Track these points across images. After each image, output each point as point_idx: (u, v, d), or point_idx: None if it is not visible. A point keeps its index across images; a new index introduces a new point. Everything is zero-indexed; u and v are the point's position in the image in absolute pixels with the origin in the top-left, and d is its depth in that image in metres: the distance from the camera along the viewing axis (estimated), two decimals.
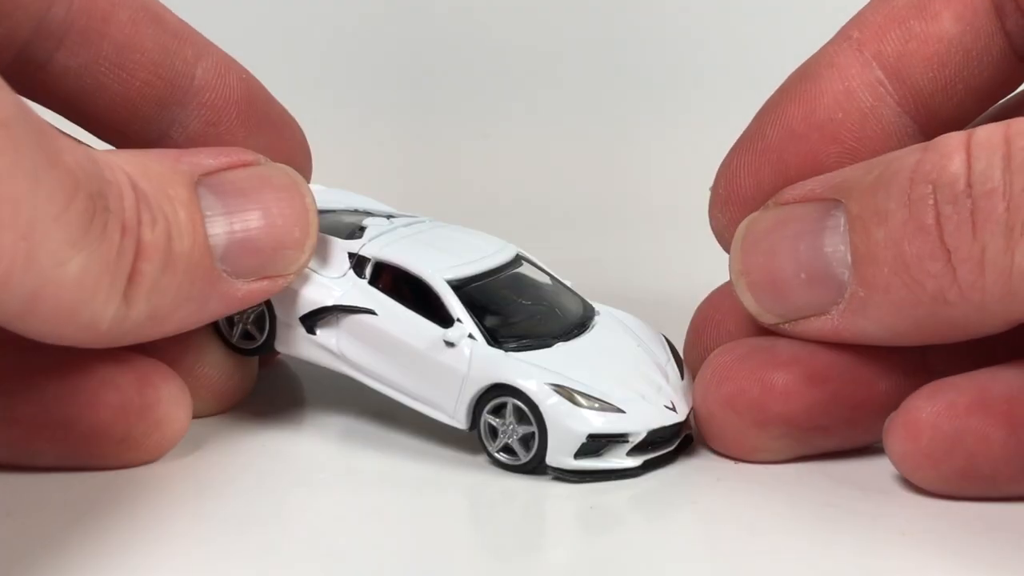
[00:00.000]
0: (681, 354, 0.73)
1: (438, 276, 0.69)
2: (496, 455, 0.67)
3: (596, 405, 0.66)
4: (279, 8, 1.33)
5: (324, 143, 1.26)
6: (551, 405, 0.65)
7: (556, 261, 0.82)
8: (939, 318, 0.61)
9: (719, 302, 0.73)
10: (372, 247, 0.71)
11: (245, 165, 0.66)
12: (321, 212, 0.70)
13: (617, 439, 0.66)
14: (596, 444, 0.65)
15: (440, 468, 0.68)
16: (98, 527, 0.61)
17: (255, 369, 0.75)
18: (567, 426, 0.65)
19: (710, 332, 0.73)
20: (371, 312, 0.69)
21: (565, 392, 0.66)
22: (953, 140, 0.60)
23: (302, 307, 0.70)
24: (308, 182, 0.73)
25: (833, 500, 0.64)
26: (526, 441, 0.66)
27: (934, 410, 0.62)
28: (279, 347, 0.71)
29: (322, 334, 0.70)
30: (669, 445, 0.68)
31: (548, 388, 0.65)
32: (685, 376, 0.71)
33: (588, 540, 0.62)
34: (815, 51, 0.71)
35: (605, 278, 0.95)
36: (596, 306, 0.74)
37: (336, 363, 0.70)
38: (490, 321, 0.68)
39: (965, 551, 0.59)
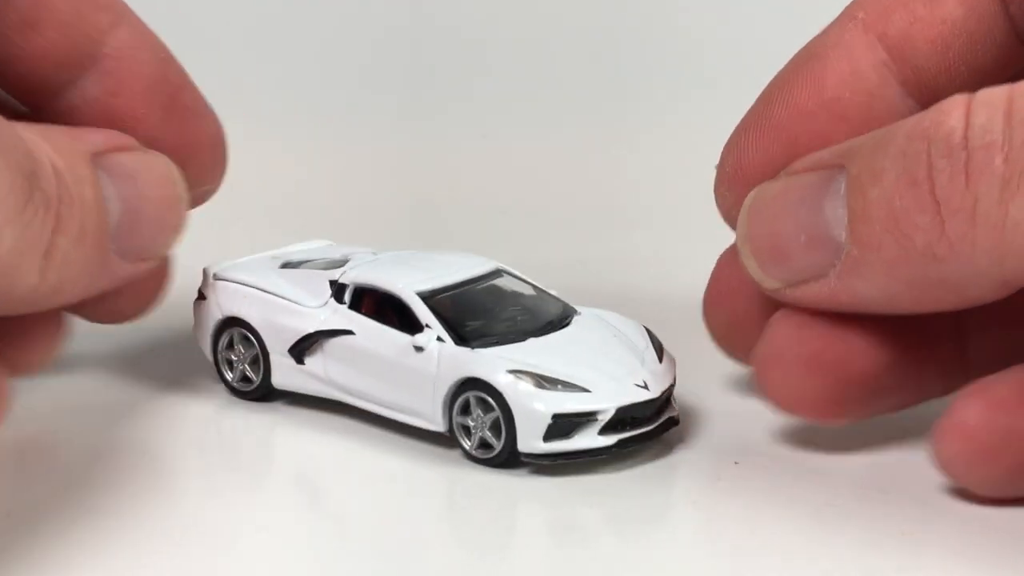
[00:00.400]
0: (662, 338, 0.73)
1: (408, 289, 0.71)
2: (473, 452, 0.68)
3: (559, 386, 0.66)
4: (277, 7, 1.33)
5: (322, 142, 1.27)
6: (515, 391, 0.66)
7: (555, 261, 0.82)
8: (930, 276, 0.60)
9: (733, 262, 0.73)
10: (351, 274, 0.74)
11: (128, 149, 0.67)
12: (310, 260, 0.78)
13: (585, 418, 0.66)
14: (565, 425, 0.66)
15: (418, 462, 0.69)
16: (98, 527, 0.61)
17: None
18: (532, 408, 0.66)
19: (731, 297, 0.73)
20: (350, 333, 0.72)
21: (527, 376, 0.67)
22: (955, 99, 0.59)
23: (289, 339, 0.73)
24: (218, 179, 0.76)
25: (833, 500, 0.64)
26: (497, 432, 0.67)
27: (983, 408, 0.62)
28: (275, 382, 0.74)
29: (310, 363, 0.73)
30: (647, 425, 0.68)
31: (510, 375, 0.67)
32: (665, 360, 0.71)
33: (588, 539, 0.62)
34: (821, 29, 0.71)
35: (604, 278, 0.95)
36: (580, 309, 0.74)
37: (327, 389, 0.73)
38: (459, 325, 0.70)
39: (965, 550, 0.59)
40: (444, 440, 0.69)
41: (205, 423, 0.74)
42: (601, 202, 1.16)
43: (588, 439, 0.66)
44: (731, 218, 0.71)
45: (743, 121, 0.72)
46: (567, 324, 0.72)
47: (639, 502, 0.65)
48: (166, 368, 0.80)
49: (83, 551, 0.59)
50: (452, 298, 0.71)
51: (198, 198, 0.75)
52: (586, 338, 0.71)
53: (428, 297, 0.71)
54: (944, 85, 0.69)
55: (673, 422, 0.70)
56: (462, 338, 0.69)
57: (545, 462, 0.66)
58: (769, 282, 0.67)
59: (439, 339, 0.69)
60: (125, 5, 0.73)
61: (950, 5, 0.68)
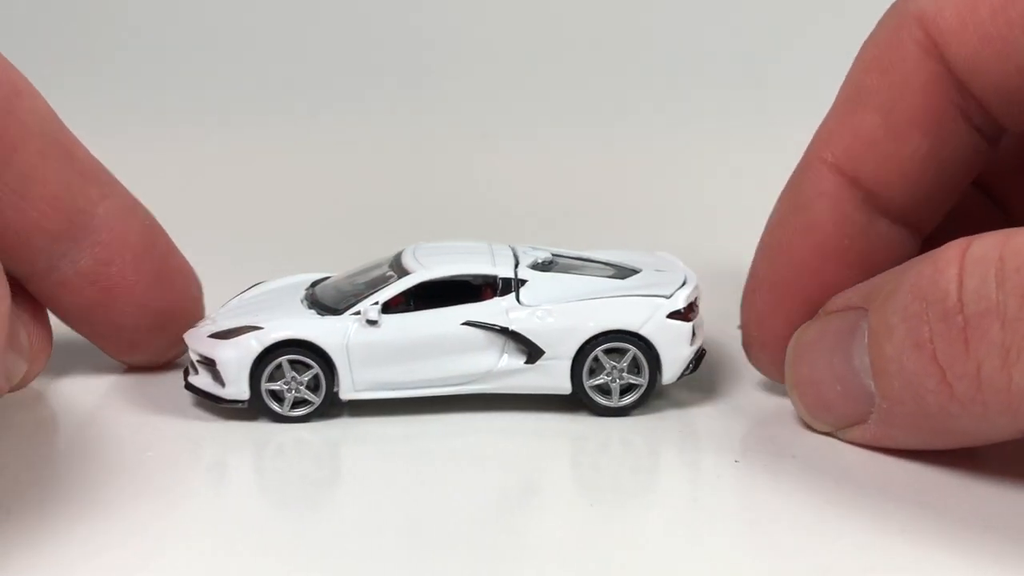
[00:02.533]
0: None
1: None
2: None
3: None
4: (277, 7, 1.33)
5: (325, 143, 1.27)
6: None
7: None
8: (953, 428, 0.62)
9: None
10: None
11: None
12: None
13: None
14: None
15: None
16: (98, 526, 0.61)
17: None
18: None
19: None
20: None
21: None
22: (949, 253, 0.61)
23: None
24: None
25: (833, 498, 0.64)
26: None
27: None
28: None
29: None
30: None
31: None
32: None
33: (587, 538, 0.62)
34: (793, 172, 0.73)
35: None
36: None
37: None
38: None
39: (965, 550, 0.59)
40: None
41: (218, 425, 0.74)
42: (601, 202, 1.16)
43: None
44: (770, 374, 0.75)
45: (752, 281, 0.74)
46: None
47: (639, 501, 0.65)
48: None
49: (84, 551, 0.59)
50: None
51: (180, 354, 0.80)
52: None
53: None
54: (924, 210, 0.72)
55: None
56: (327, 307, 0.75)
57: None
58: (820, 426, 0.70)
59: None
60: (112, 176, 0.76)
61: (916, 141, 0.69)
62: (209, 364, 0.74)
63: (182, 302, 0.79)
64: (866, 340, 0.65)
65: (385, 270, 0.77)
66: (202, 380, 0.74)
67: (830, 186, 0.71)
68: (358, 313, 0.74)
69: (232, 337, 0.74)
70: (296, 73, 1.32)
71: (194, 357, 0.75)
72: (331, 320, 0.74)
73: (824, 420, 0.70)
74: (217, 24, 1.33)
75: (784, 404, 0.73)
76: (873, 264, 0.71)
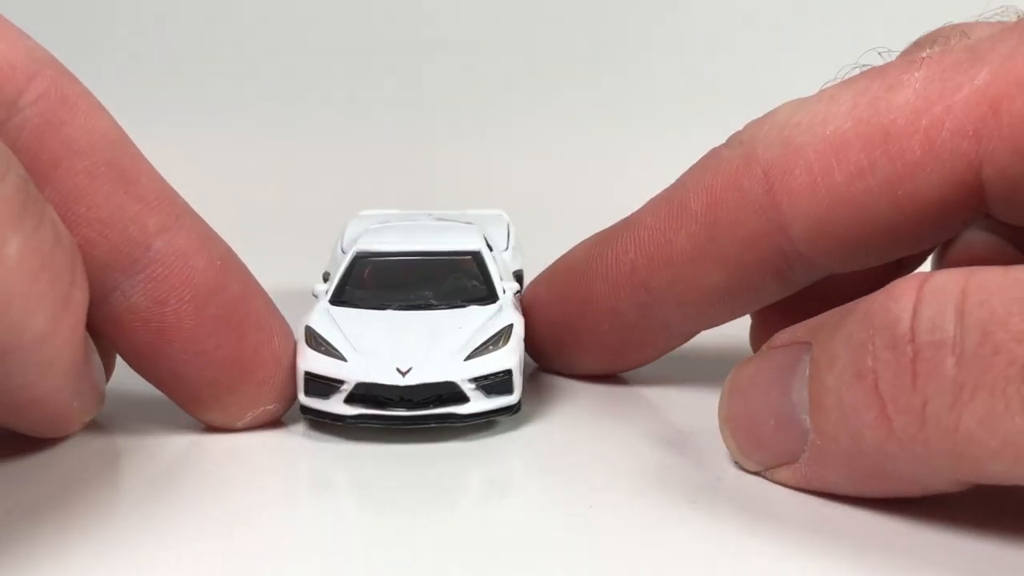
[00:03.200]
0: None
1: (356, 247, 0.77)
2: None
3: (322, 349, 0.71)
4: (276, 6, 1.33)
5: (323, 142, 1.27)
6: (298, 345, 0.71)
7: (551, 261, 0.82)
8: (888, 471, 0.58)
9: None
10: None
11: None
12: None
13: (332, 383, 0.70)
14: (318, 385, 0.70)
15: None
16: (98, 526, 0.61)
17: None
18: (297, 363, 0.71)
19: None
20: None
21: (308, 334, 0.71)
22: (906, 282, 0.57)
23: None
24: (284, 400, 0.72)
25: (832, 499, 0.64)
26: None
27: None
28: None
29: None
30: (399, 409, 0.69)
31: (304, 329, 0.72)
32: (482, 359, 0.71)
33: (587, 538, 0.62)
34: (614, 226, 0.76)
35: None
36: (504, 307, 0.75)
37: None
38: (354, 285, 0.76)
39: (965, 549, 0.59)
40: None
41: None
42: (602, 201, 1.16)
43: (335, 405, 0.70)
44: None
45: (542, 283, 0.80)
46: (443, 307, 0.74)
47: (639, 501, 0.65)
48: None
49: (83, 550, 0.59)
50: (386, 263, 0.76)
51: (260, 417, 0.71)
52: (432, 322, 0.73)
53: (363, 257, 0.76)
54: (706, 326, 0.75)
55: (458, 418, 0.70)
56: (336, 297, 0.75)
57: (310, 416, 0.71)
58: (749, 464, 0.66)
59: (325, 292, 0.75)
60: (184, 206, 0.68)
61: (714, 276, 0.71)
62: None
63: (256, 356, 0.70)
64: (807, 373, 0.61)
65: None
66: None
67: (619, 276, 0.73)
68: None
69: None
70: (295, 72, 1.32)
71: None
72: None
73: (754, 458, 0.65)
74: (215, 22, 1.33)
75: None
76: (630, 348, 0.75)
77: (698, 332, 0.76)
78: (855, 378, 0.57)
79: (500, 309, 0.75)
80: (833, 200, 0.65)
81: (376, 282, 0.76)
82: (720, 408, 0.67)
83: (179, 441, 0.72)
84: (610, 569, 0.59)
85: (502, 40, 1.31)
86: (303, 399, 0.71)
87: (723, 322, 0.74)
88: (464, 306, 0.75)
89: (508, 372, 0.71)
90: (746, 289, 0.70)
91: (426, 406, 0.69)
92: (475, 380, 0.70)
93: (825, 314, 0.62)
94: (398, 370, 0.69)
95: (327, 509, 0.65)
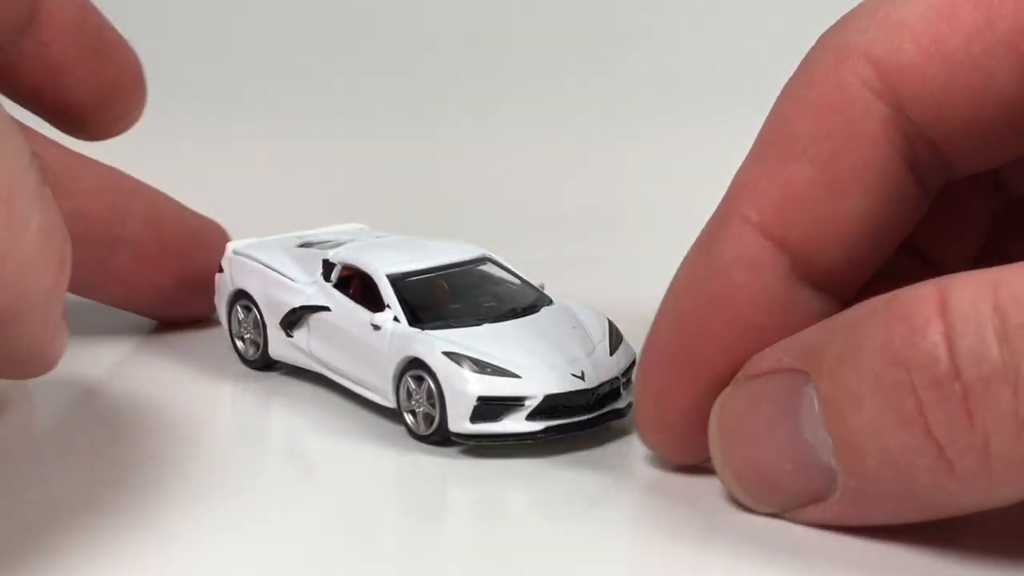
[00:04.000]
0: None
1: (381, 271, 0.73)
2: (414, 429, 0.70)
3: (488, 370, 0.68)
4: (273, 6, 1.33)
5: (319, 141, 1.27)
6: (446, 372, 0.68)
7: (553, 261, 0.82)
8: (944, 503, 0.55)
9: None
10: (341, 253, 0.76)
11: None
12: (328, 242, 0.80)
13: (512, 403, 0.67)
14: (492, 408, 0.67)
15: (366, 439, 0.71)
16: (99, 526, 0.61)
17: None
18: (460, 390, 0.67)
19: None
20: (326, 309, 0.75)
21: (461, 358, 0.68)
22: (923, 307, 0.53)
23: (280, 312, 0.77)
24: (141, 109, 0.83)
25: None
26: (431, 410, 0.69)
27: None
28: (272, 353, 0.78)
29: (297, 336, 0.76)
30: (582, 414, 0.69)
31: (444, 357, 0.68)
32: (617, 352, 0.71)
33: (586, 538, 0.62)
34: (707, 227, 0.63)
35: (604, 278, 0.95)
36: (556, 300, 0.75)
37: (308, 361, 0.76)
38: (419, 307, 0.72)
39: (965, 550, 0.58)
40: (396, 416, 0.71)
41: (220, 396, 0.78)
42: (604, 201, 1.16)
43: (516, 423, 0.67)
44: (665, 455, 0.66)
45: (650, 351, 0.64)
46: (531, 312, 0.73)
47: (639, 502, 0.65)
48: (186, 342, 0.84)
49: (83, 550, 0.59)
50: (423, 281, 0.73)
51: (124, 127, 0.83)
52: (540, 327, 0.72)
53: (398, 279, 0.73)
54: (858, 274, 0.63)
55: (617, 414, 0.70)
56: (417, 319, 0.71)
57: (472, 443, 0.68)
58: (765, 508, 0.61)
59: (395, 319, 0.71)
60: None
61: (855, 196, 0.60)
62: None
63: (123, 76, 0.81)
64: (817, 410, 0.57)
65: None
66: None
67: (752, 250, 0.61)
68: None
69: None
70: (293, 72, 1.32)
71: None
72: None
73: (770, 502, 0.60)
74: (212, 20, 1.33)
75: None
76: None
77: (844, 299, 0.63)
78: (900, 424, 0.53)
79: (572, 306, 0.74)
80: (951, 68, 0.58)
81: (424, 302, 0.73)
82: (714, 452, 0.61)
83: (177, 440, 0.72)
84: (610, 569, 0.59)
85: (501, 40, 1.31)
86: (467, 427, 0.67)
87: (868, 271, 0.63)
88: (536, 307, 0.74)
89: (634, 363, 0.71)
90: (888, 203, 0.61)
91: (599, 407, 0.69)
92: (624, 374, 0.71)
93: (807, 336, 0.58)
94: (574, 375, 0.69)
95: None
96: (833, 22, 0.64)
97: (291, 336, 0.76)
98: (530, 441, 0.67)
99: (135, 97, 0.82)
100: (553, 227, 1.11)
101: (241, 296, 0.79)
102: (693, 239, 0.64)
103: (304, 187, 1.21)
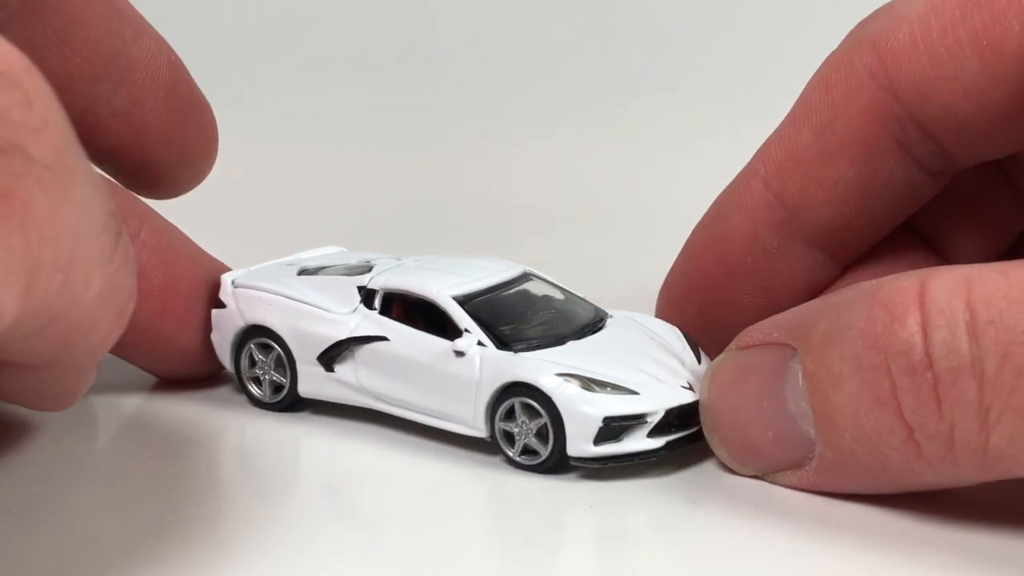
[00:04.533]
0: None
1: (444, 293, 0.71)
2: (518, 459, 0.67)
3: (609, 389, 0.67)
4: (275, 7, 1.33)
5: (322, 146, 1.27)
6: (564, 394, 0.66)
7: (556, 260, 0.82)
8: (913, 481, 0.59)
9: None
10: (380, 279, 0.73)
11: None
12: (326, 266, 0.77)
13: (635, 421, 0.66)
14: (615, 428, 0.66)
15: (457, 467, 0.69)
16: (98, 526, 0.61)
17: None
18: (583, 412, 0.66)
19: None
20: (384, 339, 0.71)
21: (576, 380, 0.67)
22: (903, 297, 0.57)
23: (318, 346, 0.72)
24: (209, 171, 0.82)
25: (833, 499, 0.64)
26: (542, 438, 0.67)
27: None
28: (302, 391, 0.74)
29: (341, 370, 0.72)
30: (691, 426, 0.68)
31: (559, 379, 0.66)
32: (703, 361, 0.71)
33: (586, 538, 0.62)
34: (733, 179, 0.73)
35: (605, 278, 0.95)
36: (610, 311, 0.75)
37: (358, 397, 0.72)
38: (498, 329, 0.70)
39: (966, 550, 0.59)
40: (483, 445, 0.69)
41: (224, 433, 0.74)
42: (605, 201, 1.16)
43: (637, 442, 0.66)
44: None
45: (667, 277, 0.76)
46: (602, 327, 0.72)
47: (639, 502, 0.65)
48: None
49: (83, 550, 0.59)
50: (486, 302, 0.71)
51: (194, 186, 0.82)
52: (625, 340, 0.71)
53: (464, 301, 0.70)
54: (847, 236, 0.70)
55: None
56: (502, 342, 0.69)
57: (595, 465, 0.66)
58: (745, 470, 0.66)
59: (480, 343, 0.69)
60: (138, 12, 0.75)
61: (843, 166, 0.68)
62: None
63: (204, 135, 0.80)
64: (801, 384, 0.61)
65: None
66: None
67: (753, 201, 0.70)
68: None
69: None
70: (291, 71, 1.31)
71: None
72: None
73: (751, 465, 0.65)
74: (210, 19, 1.32)
75: None
76: (779, 286, 0.71)
77: (841, 262, 0.73)
78: (875, 404, 0.57)
79: (633, 316, 0.74)
80: (931, 56, 0.65)
81: (500, 323, 0.70)
82: (704, 416, 0.66)
83: (174, 439, 0.72)
84: (611, 569, 0.59)
85: (500, 40, 1.30)
86: (590, 450, 0.66)
87: (863, 239, 0.72)
88: (603, 320, 0.73)
89: None
90: (874, 176, 0.68)
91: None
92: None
93: (799, 313, 0.63)
94: (683, 387, 0.68)
95: None
96: (830, 26, 0.72)
97: (332, 371, 0.72)
98: (653, 459, 0.67)
99: (211, 157, 0.81)
100: (541, 230, 1.11)
101: (255, 332, 0.75)
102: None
103: (274, 201, 1.20)
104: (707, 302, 0.73)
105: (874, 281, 0.60)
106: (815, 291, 0.72)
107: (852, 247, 0.72)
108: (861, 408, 0.58)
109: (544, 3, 1.30)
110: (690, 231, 0.76)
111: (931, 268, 0.58)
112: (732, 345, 0.66)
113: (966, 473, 0.57)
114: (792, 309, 0.64)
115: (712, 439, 0.66)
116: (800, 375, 0.61)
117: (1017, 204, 0.75)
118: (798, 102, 0.71)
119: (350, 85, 1.30)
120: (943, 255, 0.75)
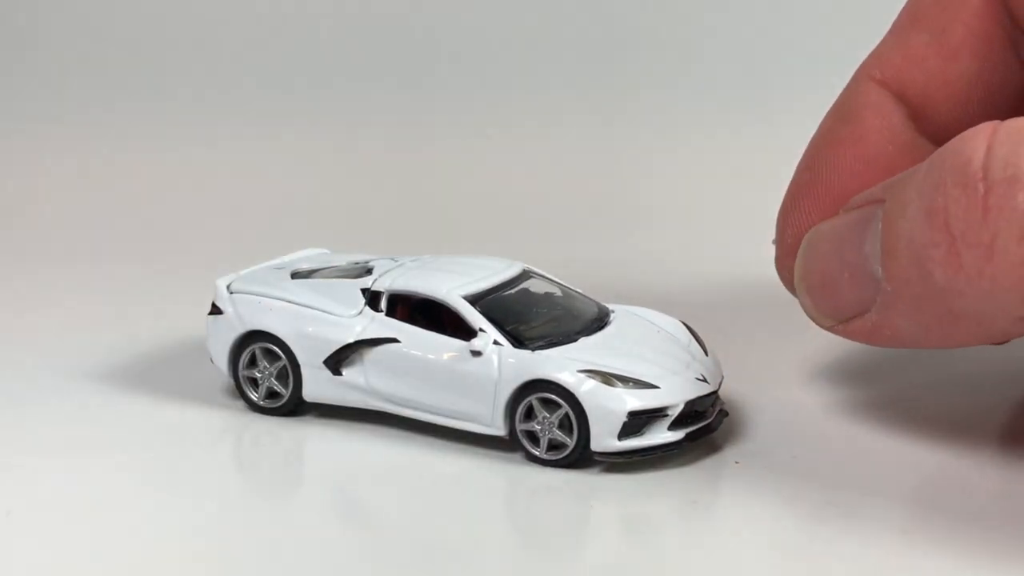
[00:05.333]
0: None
1: (454, 293, 0.71)
2: (544, 456, 0.68)
3: (631, 384, 0.67)
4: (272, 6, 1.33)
5: (318, 143, 1.27)
6: (587, 390, 0.67)
7: (556, 260, 0.82)
8: (954, 312, 0.59)
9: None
10: (383, 281, 0.73)
11: None
12: (319, 269, 0.76)
13: (656, 414, 0.67)
14: (638, 422, 0.66)
15: (477, 463, 0.69)
16: (98, 525, 0.61)
17: None
18: (607, 408, 0.66)
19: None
20: (395, 340, 0.71)
21: (599, 376, 0.67)
22: (982, 127, 0.58)
23: (325, 350, 0.72)
24: None
25: (834, 499, 0.64)
26: (565, 430, 0.67)
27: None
28: (307, 395, 0.73)
29: (349, 373, 0.72)
30: (707, 418, 0.69)
31: (581, 375, 0.67)
32: (709, 352, 0.73)
33: (585, 540, 0.62)
34: (842, 91, 0.73)
35: (606, 278, 0.95)
36: (612, 306, 0.75)
37: (367, 399, 0.72)
38: (511, 327, 0.70)
39: (966, 550, 0.59)
40: (499, 443, 0.69)
41: (226, 437, 0.74)
42: (606, 201, 1.16)
43: (660, 435, 0.67)
44: (808, 301, 0.70)
45: (791, 191, 0.73)
46: (608, 322, 0.73)
47: (638, 502, 0.65)
48: (176, 382, 0.79)
49: (83, 550, 0.59)
50: (495, 300, 0.71)
51: None
52: (634, 335, 0.72)
53: (474, 301, 0.71)
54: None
55: (724, 414, 0.71)
56: (518, 341, 0.69)
57: (619, 459, 0.67)
58: (822, 320, 0.66)
59: (495, 343, 0.69)
60: None
61: (964, 60, 0.69)
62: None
63: None
64: (879, 225, 0.62)
65: None
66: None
67: (878, 98, 0.71)
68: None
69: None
70: (288, 70, 1.31)
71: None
72: None
73: (827, 312, 0.65)
74: (206, 19, 1.32)
75: (780, 401, 0.74)
76: None
77: None
78: (926, 217, 0.57)
79: (635, 311, 0.74)
80: None
81: (512, 322, 0.71)
82: (796, 267, 0.67)
83: (174, 440, 0.72)
84: (610, 568, 0.59)
85: (499, 40, 1.30)
86: (614, 444, 0.66)
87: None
88: (608, 315, 0.73)
89: None
90: (998, 75, 0.69)
91: (713, 409, 0.70)
92: None
93: (901, 173, 0.64)
94: (698, 379, 0.69)
95: None
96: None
97: (340, 374, 0.72)
98: (675, 451, 0.67)
99: None
100: (546, 227, 1.11)
101: (255, 338, 0.74)
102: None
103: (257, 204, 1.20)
104: (848, 200, 0.71)
105: None
106: None
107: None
108: (916, 226, 0.58)
109: (544, 3, 1.30)
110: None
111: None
112: (841, 209, 0.66)
113: (1004, 296, 0.56)
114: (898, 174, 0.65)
115: (800, 288, 0.67)
116: (879, 218, 0.62)
117: None
118: (905, 11, 0.72)
119: (343, 83, 1.30)
120: None
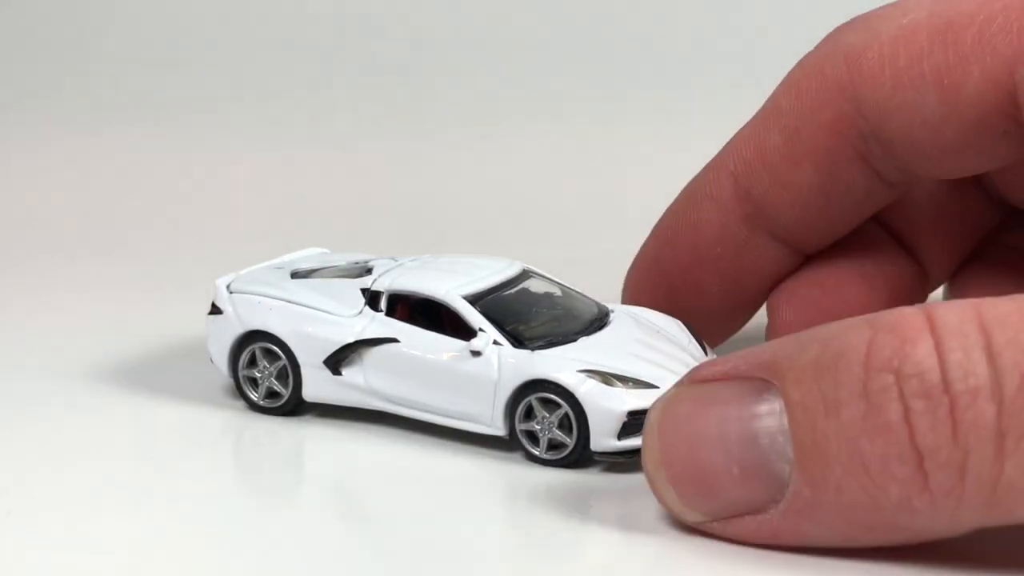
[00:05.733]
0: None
1: (453, 293, 0.71)
2: (544, 456, 0.68)
3: (630, 384, 0.67)
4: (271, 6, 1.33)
5: (318, 144, 1.27)
6: (587, 390, 0.67)
7: (557, 260, 0.82)
8: (899, 524, 0.55)
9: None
10: (383, 281, 0.73)
11: None
12: (318, 269, 0.77)
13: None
14: (637, 422, 0.66)
15: (477, 463, 0.69)
16: (98, 526, 0.61)
17: None
18: (606, 408, 0.67)
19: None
20: (394, 340, 0.71)
21: (598, 375, 0.67)
22: (913, 320, 0.54)
23: (325, 349, 0.72)
24: None
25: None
26: (565, 429, 0.67)
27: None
28: (307, 395, 0.73)
29: (348, 373, 0.72)
30: None
31: (581, 375, 0.67)
32: (709, 353, 0.73)
33: (585, 540, 0.62)
34: (704, 166, 0.76)
35: (605, 278, 0.95)
36: (610, 306, 0.76)
37: (366, 399, 0.72)
38: (511, 327, 0.70)
39: (966, 550, 0.59)
40: (499, 443, 0.70)
41: (226, 437, 0.74)
42: (605, 201, 1.16)
43: None
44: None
45: (637, 257, 0.79)
46: (608, 322, 0.73)
47: (638, 502, 0.65)
48: (176, 382, 0.79)
49: (83, 550, 0.59)
50: (494, 300, 0.72)
51: None
52: (632, 335, 0.72)
53: (474, 301, 0.71)
54: (809, 235, 0.74)
55: None
56: (518, 341, 0.69)
57: (619, 459, 0.67)
58: (691, 515, 0.60)
59: (495, 343, 0.69)
60: None
61: (807, 172, 0.70)
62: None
63: None
64: (779, 416, 0.56)
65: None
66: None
67: (722, 193, 0.73)
68: None
69: None
70: (287, 72, 1.31)
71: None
72: None
73: (701, 509, 0.59)
74: (207, 20, 1.32)
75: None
76: (747, 276, 0.74)
77: (815, 248, 0.75)
78: (884, 428, 0.53)
79: (633, 311, 0.75)
80: (895, 83, 0.66)
81: (512, 322, 0.71)
82: (648, 453, 0.60)
83: (175, 440, 0.72)
84: (610, 568, 0.59)
85: (499, 40, 1.30)
86: (614, 444, 0.67)
87: (825, 237, 0.74)
88: (608, 315, 0.73)
89: None
90: (836, 183, 0.70)
91: None
92: None
93: (769, 346, 0.59)
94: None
95: None
96: (709, 166, 0.75)
97: (339, 374, 0.72)
98: None
99: None
100: (549, 228, 1.11)
101: (255, 338, 0.74)
102: None
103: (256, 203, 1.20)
104: (675, 288, 0.76)
105: (866, 315, 0.57)
106: (780, 281, 0.76)
107: (814, 242, 0.75)
108: (862, 435, 0.54)
109: (544, 3, 1.30)
110: None
111: (931, 303, 0.56)
112: (683, 379, 0.61)
113: (968, 512, 0.54)
114: (752, 348, 0.60)
115: (657, 478, 0.60)
116: (778, 408, 0.57)
117: (984, 203, 0.78)
118: (769, 101, 0.72)
119: (342, 85, 1.30)
120: (909, 247, 0.78)
